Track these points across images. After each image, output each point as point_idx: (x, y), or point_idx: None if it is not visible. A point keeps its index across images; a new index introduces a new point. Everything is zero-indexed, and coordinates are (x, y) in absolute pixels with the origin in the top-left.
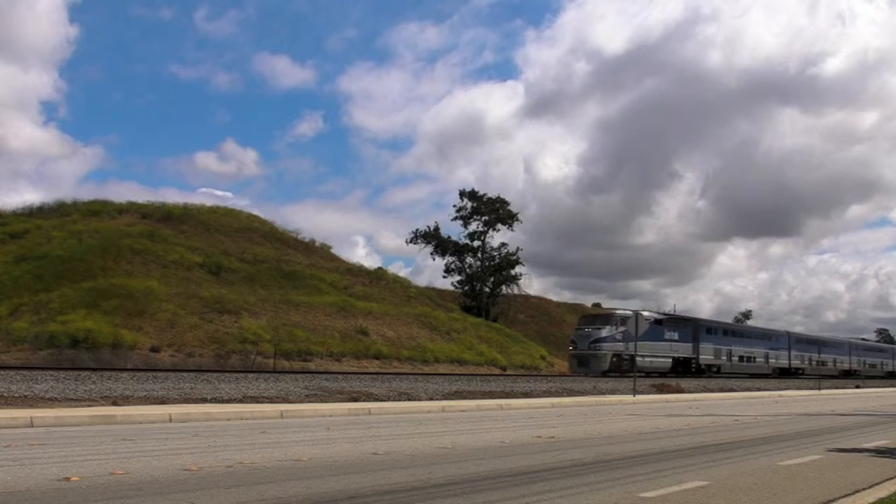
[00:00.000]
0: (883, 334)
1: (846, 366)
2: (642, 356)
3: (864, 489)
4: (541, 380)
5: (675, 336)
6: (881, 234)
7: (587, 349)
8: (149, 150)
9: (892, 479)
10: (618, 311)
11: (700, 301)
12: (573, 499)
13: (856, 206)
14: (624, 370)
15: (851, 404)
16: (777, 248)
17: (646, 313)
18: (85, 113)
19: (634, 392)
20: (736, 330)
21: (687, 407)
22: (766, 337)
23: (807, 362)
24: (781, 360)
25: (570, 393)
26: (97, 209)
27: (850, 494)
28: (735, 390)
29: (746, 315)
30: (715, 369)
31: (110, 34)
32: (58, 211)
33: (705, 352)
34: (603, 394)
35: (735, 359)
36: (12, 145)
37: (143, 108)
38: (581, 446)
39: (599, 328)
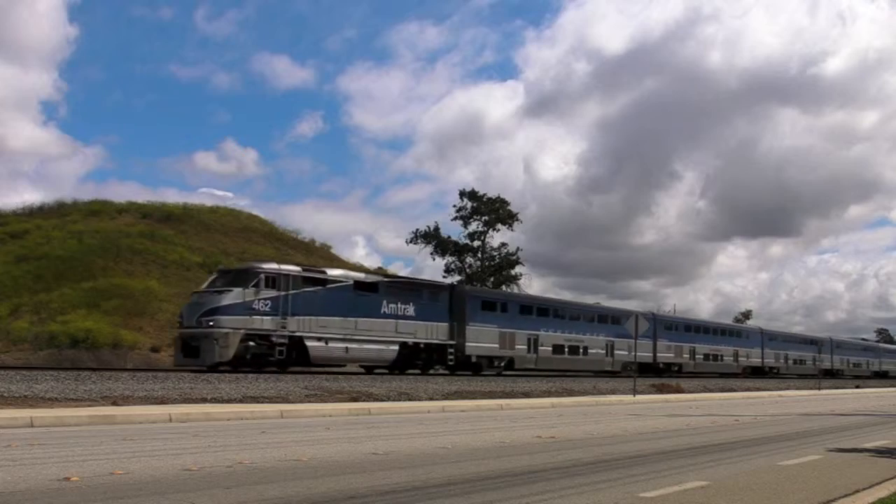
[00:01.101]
0: (883, 334)
1: (827, 365)
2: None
3: (864, 489)
4: (541, 380)
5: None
6: (881, 234)
7: (195, 326)
8: (149, 150)
9: (892, 479)
10: (264, 266)
11: (700, 301)
12: (573, 499)
13: (856, 207)
14: (286, 363)
15: (851, 404)
16: (777, 248)
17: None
18: (85, 113)
19: (634, 392)
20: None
21: (687, 407)
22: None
23: (782, 361)
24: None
25: (570, 393)
26: (97, 209)
27: (850, 494)
28: (735, 390)
29: (746, 315)
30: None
31: (110, 34)
32: (58, 211)
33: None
34: (603, 394)
35: (699, 357)
36: (12, 145)
37: (142, 108)
38: (581, 446)
39: (222, 292)
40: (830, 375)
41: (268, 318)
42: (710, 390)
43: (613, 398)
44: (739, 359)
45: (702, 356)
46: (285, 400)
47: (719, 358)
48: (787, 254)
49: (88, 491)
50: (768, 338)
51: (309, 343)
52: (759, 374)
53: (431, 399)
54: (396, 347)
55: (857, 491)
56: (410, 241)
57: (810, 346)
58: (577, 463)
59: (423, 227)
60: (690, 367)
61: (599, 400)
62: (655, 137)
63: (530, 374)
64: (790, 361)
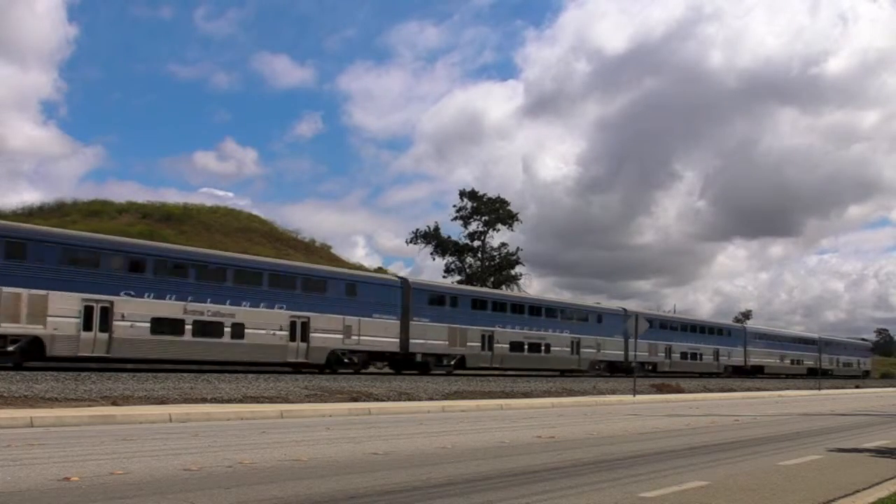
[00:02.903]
0: (883, 334)
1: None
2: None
3: (864, 489)
4: (541, 380)
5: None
6: (881, 235)
7: None
8: (149, 149)
9: (892, 479)
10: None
11: (700, 301)
12: (573, 499)
13: (855, 207)
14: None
15: (851, 404)
16: (777, 248)
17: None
18: (85, 112)
19: (634, 392)
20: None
21: (687, 407)
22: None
23: (768, 360)
24: (735, 357)
25: (570, 393)
26: (97, 209)
27: (850, 494)
28: (735, 390)
29: (746, 315)
30: (649, 367)
31: (110, 33)
32: (58, 211)
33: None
34: (603, 394)
35: (676, 355)
36: (12, 145)
37: (142, 107)
38: (581, 446)
39: None
40: (818, 375)
41: None
42: (710, 390)
43: (613, 398)
44: (720, 358)
45: (679, 355)
46: (285, 400)
47: (698, 357)
48: (786, 254)
49: (88, 491)
50: (753, 336)
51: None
52: (741, 373)
53: (431, 399)
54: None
55: (857, 491)
56: (410, 241)
57: (798, 344)
58: (578, 463)
59: (422, 228)
60: (666, 366)
61: (599, 400)
62: (655, 137)
63: (485, 373)
64: (776, 361)
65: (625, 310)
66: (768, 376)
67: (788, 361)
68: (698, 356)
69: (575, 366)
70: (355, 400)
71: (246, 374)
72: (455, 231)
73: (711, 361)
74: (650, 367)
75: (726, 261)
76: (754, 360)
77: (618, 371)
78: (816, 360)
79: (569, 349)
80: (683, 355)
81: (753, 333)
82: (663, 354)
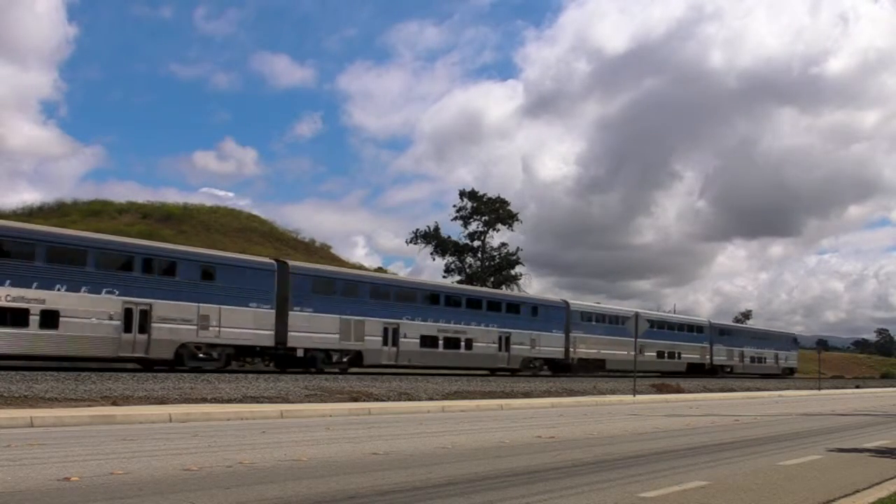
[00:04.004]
0: (883, 334)
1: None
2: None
3: (864, 489)
4: (541, 380)
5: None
6: (881, 235)
7: None
8: (148, 149)
9: (892, 479)
10: None
11: (700, 301)
12: (573, 499)
13: (855, 207)
14: None
15: (851, 404)
16: (777, 248)
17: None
18: (84, 112)
19: (634, 392)
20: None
21: (687, 407)
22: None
23: (737, 358)
24: (695, 354)
25: (570, 393)
26: (97, 209)
27: (850, 494)
28: (735, 390)
29: (746, 315)
30: (597, 365)
31: (110, 33)
32: (58, 211)
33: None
34: (603, 394)
35: (622, 352)
36: (12, 145)
37: (142, 107)
38: (581, 446)
39: None
40: (711, 372)
41: None
42: (711, 390)
43: (613, 398)
44: (682, 356)
45: (626, 352)
46: (285, 400)
47: (664, 355)
48: (786, 254)
49: (88, 491)
50: (718, 332)
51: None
52: (704, 372)
53: (431, 399)
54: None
55: (857, 491)
56: (410, 242)
57: (774, 342)
58: (578, 463)
59: (422, 228)
60: (615, 363)
61: (599, 400)
62: (655, 137)
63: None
64: (746, 359)
65: (566, 302)
66: (738, 376)
67: (653, 354)
68: (656, 354)
69: (503, 364)
70: (355, 400)
71: (246, 374)
72: (455, 231)
73: (671, 360)
74: (598, 365)
75: (726, 261)
76: (722, 359)
77: (559, 370)
78: (704, 353)
79: (496, 345)
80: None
81: (721, 330)
82: (611, 350)
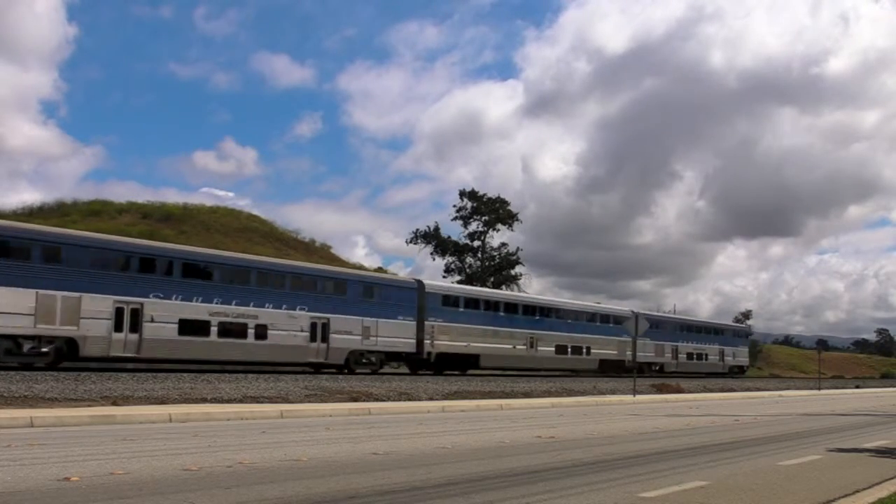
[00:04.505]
0: (883, 334)
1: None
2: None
3: (864, 489)
4: (541, 380)
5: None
6: (881, 235)
7: None
8: (149, 149)
9: (892, 479)
10: None
11: (700, 301)
12: (573, 499)
13: (855, 207)
14: None
15: (851, 404)
16: (777, 248)
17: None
18: (85, 112)
19: (634, 392)
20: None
21: (687, 407)
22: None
23: (668, 354)
24: (611, 349)
25: (570, 393)
26: (97, 209)
27: (850, 494)
28: (735, 390)
29: (746, 315)
30: (472, 361)
31: (110, 33)
32: (58, 211)
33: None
34: (603, 394)
35: (504, 346)
36: (12, 145)
37: (142, 107)
38: (581, 446)
39: None
40: (633, 371)
41: None
42: (711, 390)
43: (613, 398)
44: (593, 351)
45: (527, 346)
46: (285, 400)
47: (564, 350)
48: (786, 254)
49: (88, 491)
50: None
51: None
52: (624, 370)
53: (431, 399)
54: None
55: (857, 491)
56: (410, 242)
57: (717, 336)
58: (578, 463)
59: (422, 228)
60: (494, 360)
61: (599, 400)
62: (655, 137)
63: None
64: (682, 356)
65: (420, 281)
66: (671, 375)
67: (550, 349)
68: (564, 349)
69: (317, 357)
70: (355, 400)
71: (246, 374)
72: (455, 231)
73: (584, 357)
74: (472, 360)
75: (726, 261)
76: (650, 356)
77: (417, 367)
78: (624, 349)
79: (305, 334)
80: (533, 344)
81: (653, 322)
82: (482, 343)
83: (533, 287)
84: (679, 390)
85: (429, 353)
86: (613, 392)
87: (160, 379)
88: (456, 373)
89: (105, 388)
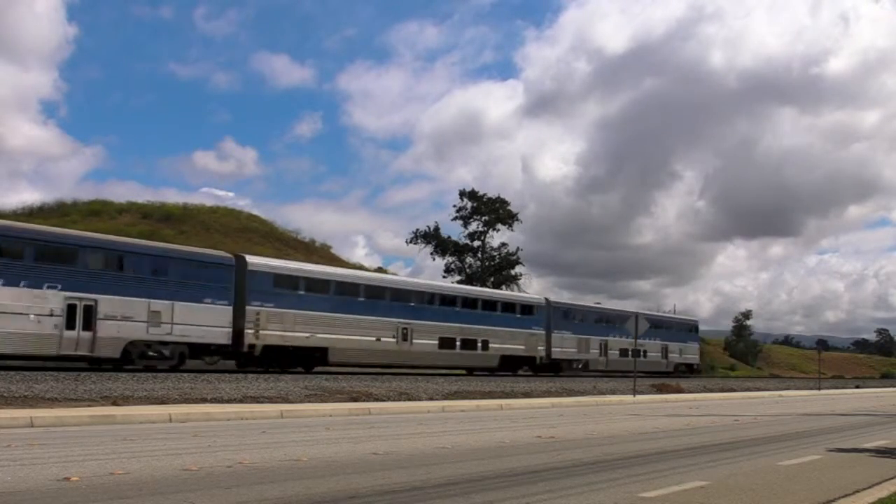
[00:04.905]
0: (883, 334)
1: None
2: None
3: (864, 489)
4: (541, 380)
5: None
6: (881, 235)
7: None
8: (149, 149)
9: (892, 479)
10: None
11: (700, 301)
12: (573, 499)
13: (855, 207)
14: None
15: (851, 404)
16: (777, 248)
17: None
18: (85, 112)
19: (634, 392)
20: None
21: (687, 407)
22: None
23: (595, 350)
24: (517, 344)
25: (570, 393)
26: (97, 209)
27: (850, 494)
28: (735, 390)
29: (747, 315)
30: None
31: (110, 33)
32: (58, 211)
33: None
34: (603, 394)
35: (355, 337)
36: (12, 145)
37: (142, 107)
38: (581, 446)
39: None
40: (678, 375)
41: None
42: (711, 390)
43: (613, 398)
44: (492, 345)
45: (396, 337)
46: (285, 400)
47: (455, 344)
48: (786, 254)
49: (88, 491)
50: (563, 315)
51: None
52: (538, 368)
53: (431, 399)
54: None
55: (857, 491)
56: (410, 241)
57: (659, 331)
58: (578, 463)
59: (422, 228)
60: (344, 354)
61: (599, 400)
62: (655, 137)
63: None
64: (613, 352)
65: (240, 257)
66: (580, 375)
67: (432, 342)
68: (453, 343)
69: (74, 350)
70: (355, 400)
71: (246, 374)
72: (455, 231)
73: (480, 351)
74: (318, 355)
75: (726, 261)
76: (559, 350)
77: (232, 358)
78: (536, 343)
79: (53, 318)
80: (379, 337)
81: (564, 311)
82: (307, 333)
83: (533, 287)
84: (679, 390)
85: (251, 346)
86: (613, 392)
87: (160, 379)
88: (300, 370)
89: (105, 388)
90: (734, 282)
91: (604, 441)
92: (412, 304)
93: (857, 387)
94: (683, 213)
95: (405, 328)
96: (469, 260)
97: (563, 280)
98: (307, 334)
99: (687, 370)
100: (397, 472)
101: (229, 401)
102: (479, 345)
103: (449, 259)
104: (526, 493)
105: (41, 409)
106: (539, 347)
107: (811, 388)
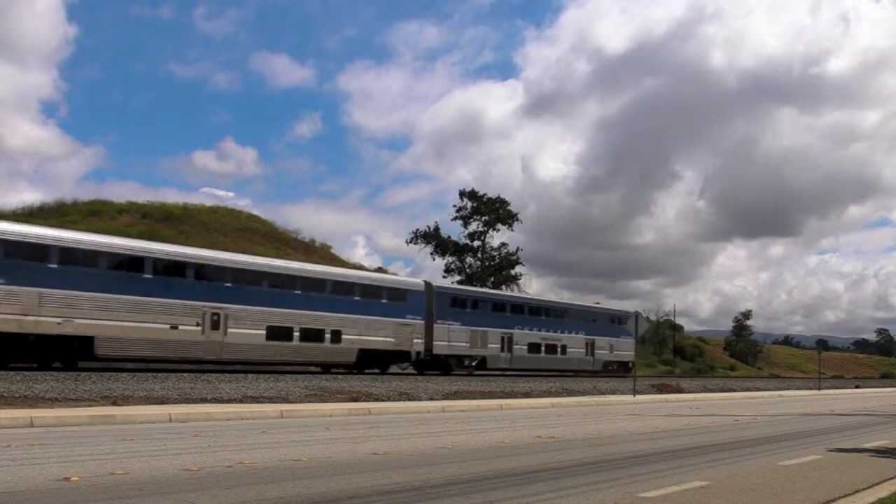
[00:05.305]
0: (883, 334)
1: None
2: None
3: (864, 489)
4: (541, 380)
5: None
6: (881, 235)
7: None
8: (148, 149)
9: (892, 479)
10: None
11: (700, 301)
12: (573, 499)
13: (855, 207)
14: None
15: (852, 404)
16: (777, 248)
17: None
18: (84, 112)
19: (634, 392)
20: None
21: (687, 407)
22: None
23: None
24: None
25: (570, 393)
26: (97, 209)
27: (850, 494)
28: (735, 390)
29: (746, 315)
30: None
31: (110, 33)
32: (58, 211)
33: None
34: (603, 394)
35: (190, 327)
36: (12, 145)
37: (142, 107)
38: (581, 446)
39: None
40: (608, 373)
41: None
42: (711, 390)
43: (613, 398)
44: (346, 337)
45: (202, 325)
46: (285, 400)
47: (291, 335)
48: (786, 254)
49: (88, 491)
50: (451, 302)
51: None
52: (422, 365)
53: (431, 399)
54: None
55: (857, 491)
56: (410, 241)
57: (584, 323)
58: (578, 463)
59: (422, 227)
60: (112, 344)
61: (599, 400)
62: (655, 137)
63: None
64: (521, 347)
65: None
66: (477, 375)
67: (257, 332)
68: (288, 334)
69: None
70: (355, 400)
71: (246, 374)
72: (455, 231)
73: (327, 345)
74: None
75: (726, 261)
76: (443, 345)
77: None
78: (412, 336)
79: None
80: (215, 326)
81: (447, 296)
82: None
83: (533, 287)
84: (679, 390)
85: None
86: (613, 392)
87: (160, 379)
88: (58, 365)
89: (105, 388)
90: (734, 282)
91: (604, 441)
92: (228, 283)
93: (857, 387)
94: (683, 213)
95: (216, 314)
96: (469, 260)
97: (564, 280)
98: (58, 320)
99: (621, 369)
100: (397, 472)
101: (229, 401)
102: (328, 336)
103: (449, 259)
104: (526, 493)
105: (41, 409)
106: (416, 340)
107: (811, 388)
